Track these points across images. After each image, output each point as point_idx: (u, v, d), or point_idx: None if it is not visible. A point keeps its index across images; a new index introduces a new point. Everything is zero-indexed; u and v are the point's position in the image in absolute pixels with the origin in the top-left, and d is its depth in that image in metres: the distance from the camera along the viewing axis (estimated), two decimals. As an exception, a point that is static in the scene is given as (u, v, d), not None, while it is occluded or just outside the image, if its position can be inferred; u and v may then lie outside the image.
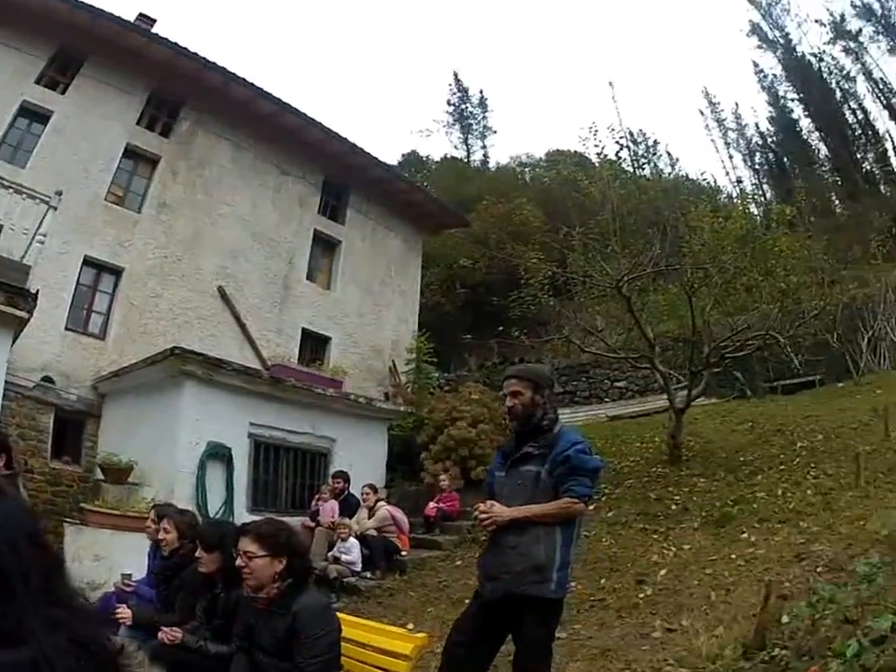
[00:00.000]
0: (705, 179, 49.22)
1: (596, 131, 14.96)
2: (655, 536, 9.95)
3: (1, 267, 9.90)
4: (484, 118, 56.86)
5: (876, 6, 49.73)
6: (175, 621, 4.59)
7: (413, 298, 18.41)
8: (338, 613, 4.05)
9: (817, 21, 53.41)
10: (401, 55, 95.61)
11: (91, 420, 13.07)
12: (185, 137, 14.77)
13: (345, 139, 16.08)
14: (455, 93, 57.70)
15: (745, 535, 9.20)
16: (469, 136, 56.18)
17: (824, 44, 52.30)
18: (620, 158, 17.52)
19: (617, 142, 15.35)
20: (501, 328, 18.74)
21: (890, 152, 48.66)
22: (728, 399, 20.09)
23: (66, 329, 13.04)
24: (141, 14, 15.78)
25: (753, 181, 54.43)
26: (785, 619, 5.16)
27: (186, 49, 14.10)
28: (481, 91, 57.63)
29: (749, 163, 55.45)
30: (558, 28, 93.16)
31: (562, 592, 4.00)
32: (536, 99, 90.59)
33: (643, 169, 48.19)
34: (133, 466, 11.25)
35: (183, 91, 14.66)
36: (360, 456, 13.32)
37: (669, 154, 56.93)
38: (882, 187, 44.44)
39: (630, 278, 13.60)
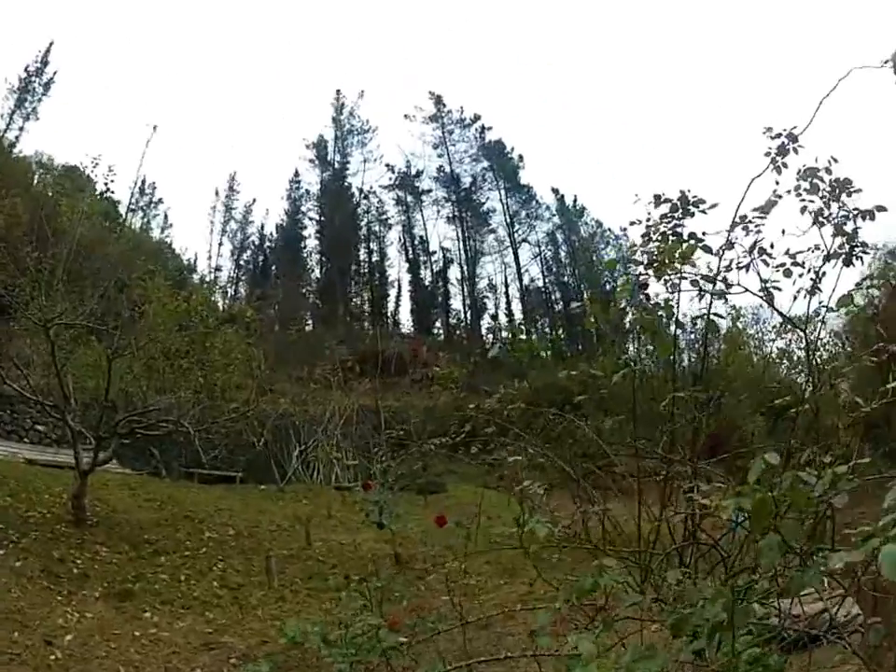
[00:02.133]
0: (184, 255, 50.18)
1: (97, 164, 14.47)
2: (60, 598, 9.51)
3: None
4: (40, 100, 50.08)
5: (467, 179, 55.73)
6: None
7: None
8: None
9: (387, 166, 56.26)
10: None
11: None
12: None
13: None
14: (37, 63, 50.33)
15: (147, 614, 9.27)
16: (18, 111, 49.30)
17: (380, 186, 56.28)
18: (109, 199, 17.13)
19: (106, 183, 14.83)
20: None
21: (392, 299, 54.38)
22: (141, 473, 19.77)
23: None
24: None
25: (232, 274, 55.69)
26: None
27: None
28: (54, 73, 50.50)
29: (236, 257, 56.41)
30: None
31: None
32: (95, 109, 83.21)
33: (133, 219, 47.39)
34: None
35: None
36: None
37: (166, 216, 54.74)
38: (365, 325, 48.96)
39: (60, 323, 13.12)
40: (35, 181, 38.10)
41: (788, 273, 3.98)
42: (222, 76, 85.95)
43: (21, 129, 48.29)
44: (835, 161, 3.74)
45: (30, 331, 14.80)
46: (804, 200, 3.82)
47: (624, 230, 50.90)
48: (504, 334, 49.56)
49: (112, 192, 18.48)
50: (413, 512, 15.02)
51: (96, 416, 14.52)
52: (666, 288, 4.18)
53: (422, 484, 19.20)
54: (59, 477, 15.84)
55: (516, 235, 54.99)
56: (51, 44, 51.00)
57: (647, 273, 4.17)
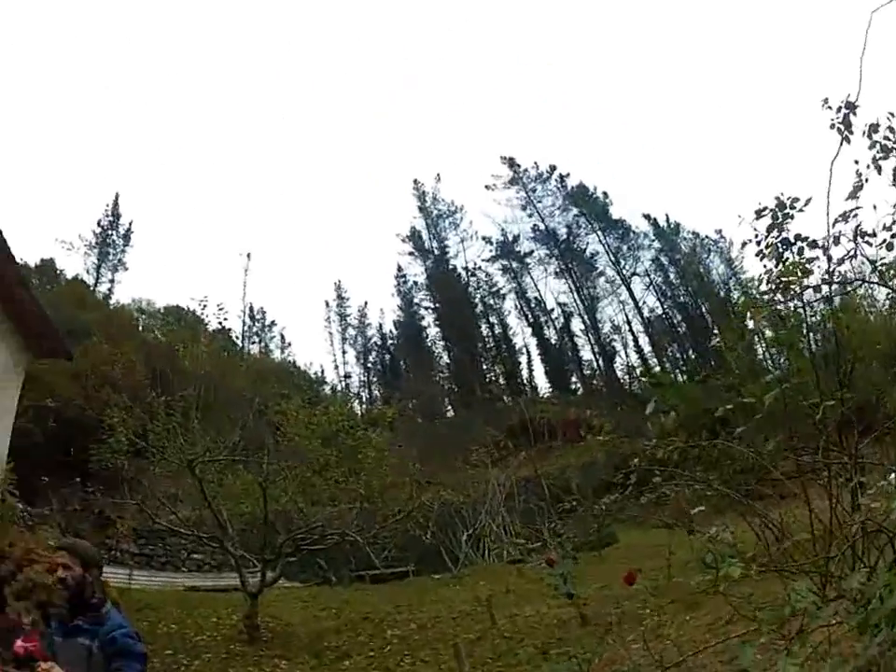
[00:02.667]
0: (312, 369, 52.13)
1: (206, 304, 14.94)
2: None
3: None
4: (123, 251, 52.51)
5: (563, 230, 55.90)
6: None
7: (6, 421, 16.14)
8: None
9: (484, 239, 57.32)
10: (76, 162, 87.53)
11: None
12: None
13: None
14: (108, 216, 53.05)
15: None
16: (103, 265, 52.24)
17: (483, 260, 56.99)
18: (224, 332, 17.66)
19: (220, 322, 15.40)
20: (80, 478, 18.08)
21: (524, 366, 54.41)
22: (311, 585, 20.07)
23: None
24: None
25: (363, 379, 56.99)
26: None
27: None
28: (130, 223, 52.54)
29: (362, 361, 57.69)
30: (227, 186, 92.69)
31: None
32: (181, 247, 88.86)
33: (251, 346, 48.57)
34: None
35: None
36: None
37: (283, 337, 58.01)
38: (505, 398, 48.69)
39: (204, 460, 13.49)
40: (140, 327, 39.63)
41: (890, 247, 3.97)
42: (306, 196, 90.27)
43: (111, 281, 50.77)
44: (893, 115, 3.69)
45: (174, 472, 15.11)
46: (878, 162, 3.78)
47: (720, 231, 49.92)
48: (642, 379, 48.60)
49: (228, 330, 19.14)
50: (591, 570, 14.81)
51: (256, 539, 14.83)
52: (789, 298, 4.38)
53: (594, 541, 19.09)
54: (222, 600, 16.19)
55: (624, 271, 54.68)
56: (118, 196, 53.64)
57: (775, 298, 4.39)
